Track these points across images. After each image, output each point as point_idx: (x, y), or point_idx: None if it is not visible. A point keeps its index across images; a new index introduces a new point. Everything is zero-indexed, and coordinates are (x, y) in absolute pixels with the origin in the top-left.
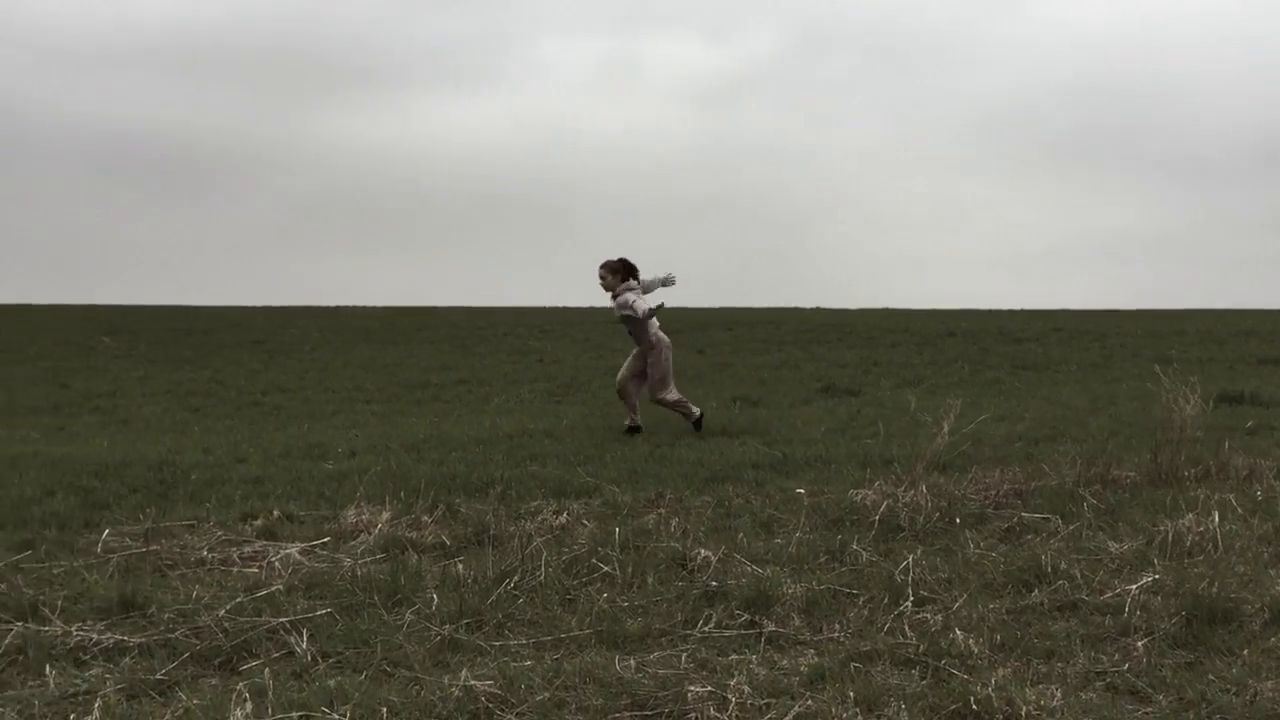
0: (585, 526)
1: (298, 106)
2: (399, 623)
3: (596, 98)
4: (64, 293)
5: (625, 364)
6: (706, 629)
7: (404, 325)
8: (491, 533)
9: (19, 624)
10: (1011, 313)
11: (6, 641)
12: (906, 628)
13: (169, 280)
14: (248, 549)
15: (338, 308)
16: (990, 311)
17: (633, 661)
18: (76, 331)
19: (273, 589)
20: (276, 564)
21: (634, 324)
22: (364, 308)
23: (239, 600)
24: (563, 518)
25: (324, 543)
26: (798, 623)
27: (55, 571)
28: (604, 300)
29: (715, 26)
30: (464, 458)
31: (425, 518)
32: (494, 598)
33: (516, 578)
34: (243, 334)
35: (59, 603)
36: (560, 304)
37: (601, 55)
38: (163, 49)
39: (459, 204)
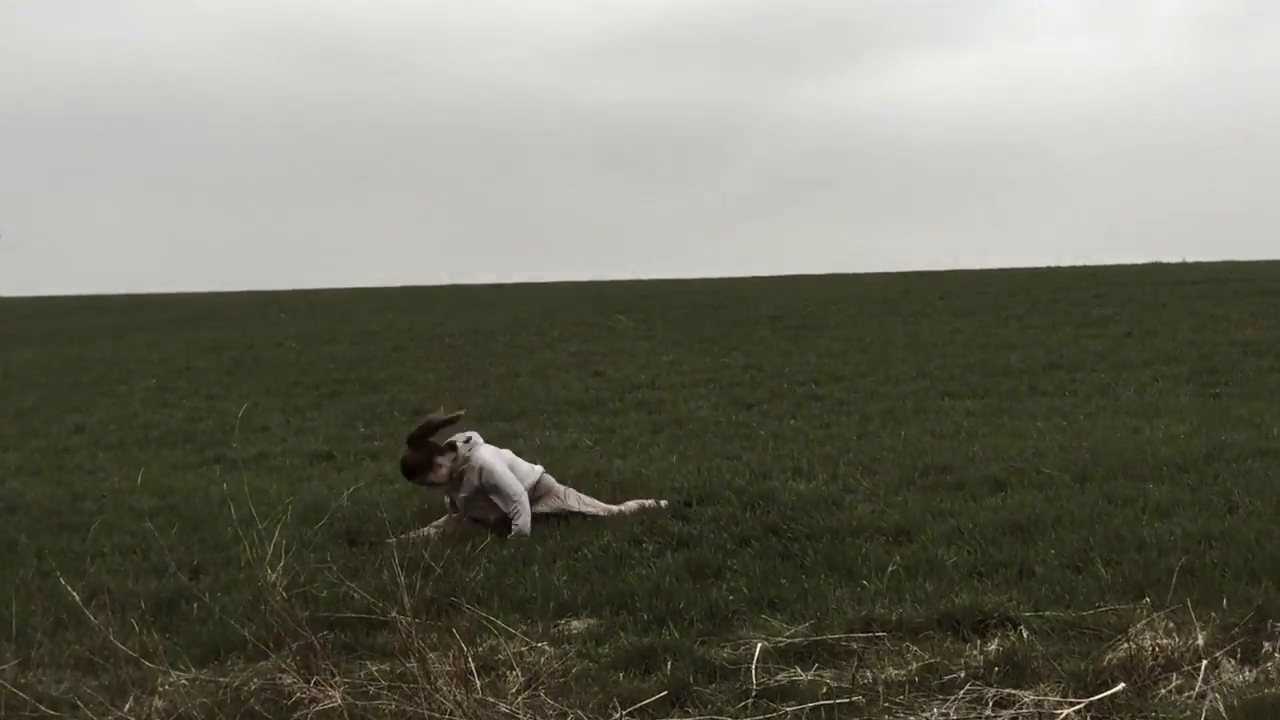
0: None
1: (769, 77)
2: None
3: (1089, 38)
4: (565, 271)
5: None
6: None
7: (921, 294)
8: None
9: None
10: None
11: None
12: None
13: (660, 256)
14: (989, 699)
15: (835, 275)
16: None
17: None
18: (589, 310)
19: None
20: None
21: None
22: (862, 275)
23: None
24: None
25: (1116, 693)
26: None
27: None
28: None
29: None
30: (1204, 500)
31: (1266, 645)
32: None
33: None
34: (752, 309)
35: None
36: (1065, 263)
37: None
38: (643, 39)
39: (935, 164)
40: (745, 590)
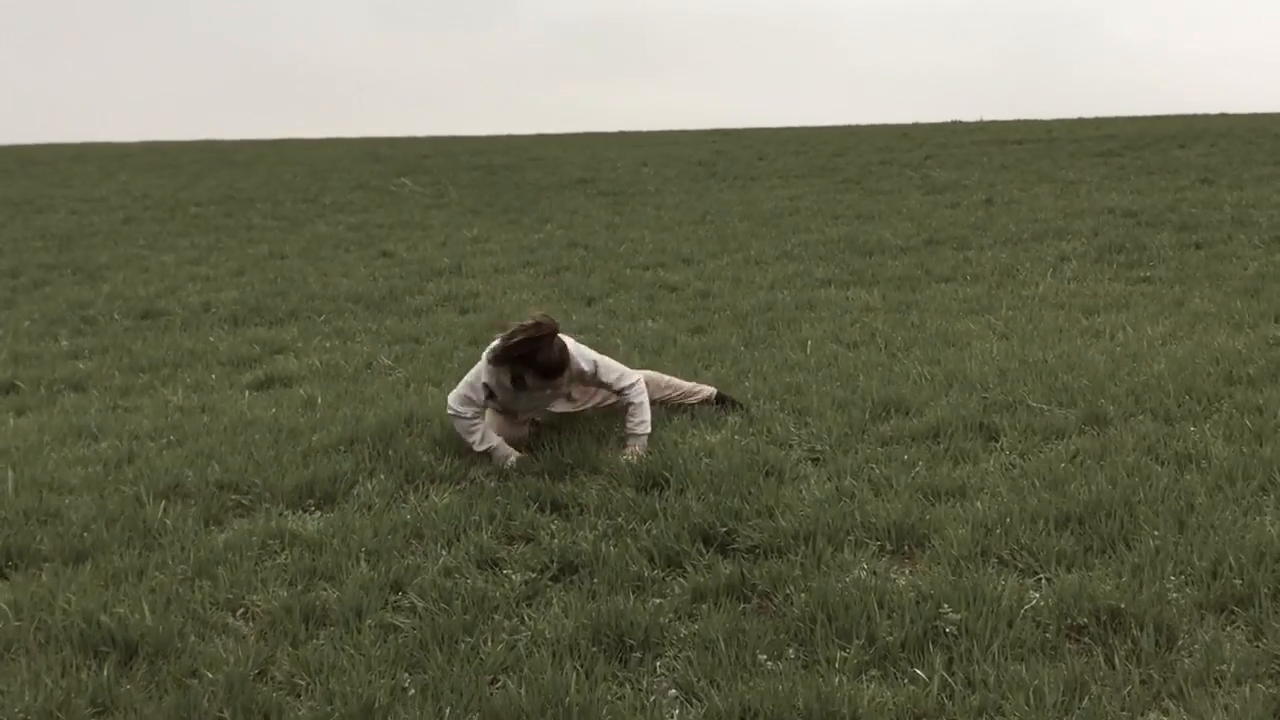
0: None
1: None
2: None
3: None
4: (333, 128)
5: None
6: None
7: (735, 154)
8: None
9: None
10: None
11: None
12: None
13: (436, 112)
14: None
15: (632, 134)
16: None
17: None
18: (366, 173)
19: None
20: None
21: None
22: (660, 133)
23: None
24: None
25: None
26: None
27: None
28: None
29: None
30: None
31: None
32: None
33: None
34: (555, 171)
35: None
36: (839, 122)
37: None
38: None
39: (708, 25)
40: (708, 692)
